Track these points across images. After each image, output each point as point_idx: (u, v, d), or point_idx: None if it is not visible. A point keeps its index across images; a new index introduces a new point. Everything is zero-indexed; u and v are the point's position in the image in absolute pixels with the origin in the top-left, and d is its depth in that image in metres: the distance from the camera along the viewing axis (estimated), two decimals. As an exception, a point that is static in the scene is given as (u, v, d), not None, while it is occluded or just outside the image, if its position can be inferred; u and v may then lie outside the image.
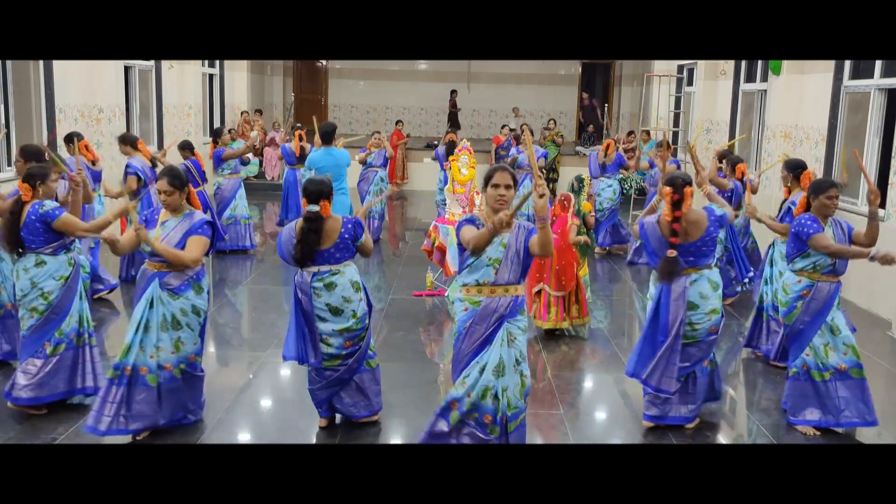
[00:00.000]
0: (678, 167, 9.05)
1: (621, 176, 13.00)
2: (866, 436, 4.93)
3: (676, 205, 4.32)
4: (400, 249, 10.12)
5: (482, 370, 3.79)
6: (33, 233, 4.45)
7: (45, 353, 4.50)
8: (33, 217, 4.44)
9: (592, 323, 6.73)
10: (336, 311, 4.22)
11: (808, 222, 4.54)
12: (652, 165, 9.46)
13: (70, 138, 6.31)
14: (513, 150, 10.50)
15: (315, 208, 4.11)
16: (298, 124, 9.92)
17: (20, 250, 4.50)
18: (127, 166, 7.41)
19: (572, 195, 6.58)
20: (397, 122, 15.89)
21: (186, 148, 8.54)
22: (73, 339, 4.60)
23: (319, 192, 4.12)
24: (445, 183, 9.18)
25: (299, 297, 4.23)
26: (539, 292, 6.36)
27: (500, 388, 3.79)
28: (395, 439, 4.58)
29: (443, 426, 3.88)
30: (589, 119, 16.89)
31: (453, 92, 18.74)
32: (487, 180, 3.75)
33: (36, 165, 4.73)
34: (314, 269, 4.20)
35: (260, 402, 5.05)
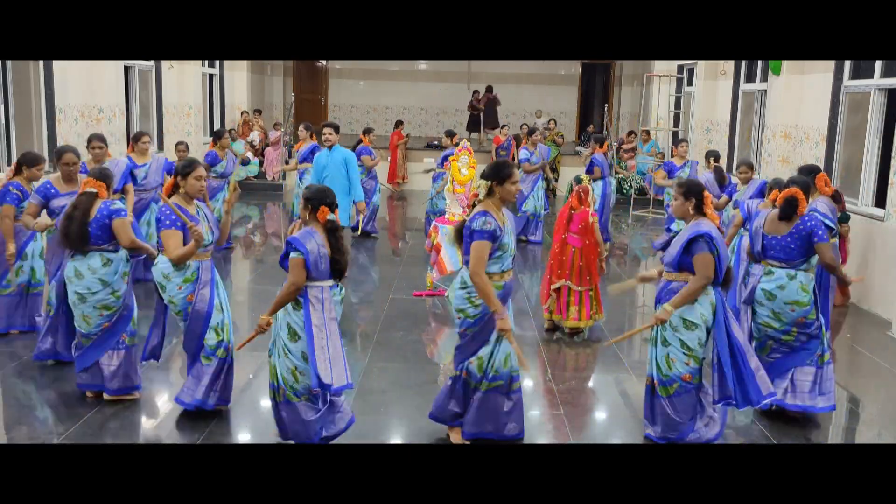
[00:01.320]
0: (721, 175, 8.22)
1: (621, 176, 13.04)
2: (866, 436, 4.94)
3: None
4: (400, 249, 10.13)
5: (499, 341, 4.17)
6: (103, 229, 4.56)
7: (124, 343, 4.71)
8: (105, 213, 4.56)
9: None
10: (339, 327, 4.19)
11: (823, 232, 4.65)
12: (671, 171, 9.43)
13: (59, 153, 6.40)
14: (525, 153, 10.37)
15: (333, 217, 4.01)
16: (309, 123, 9.93)
17: (83, 248, 4.58)
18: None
19: (589, 187, 6.39)
20: (398, 123, 15.78)
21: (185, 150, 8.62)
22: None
23: (333, 202, 4.02)
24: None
25: (322, 314, 3.94)
26: (558, 289, 6.30)
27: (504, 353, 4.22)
28: (395, 439, 4.58)
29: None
30: (489, 118, 16.97)
31: (475, 92, 18.44)
32: (507, 176, 4.06)
33: (106, 168, 5.02)
34: (332, 281, 4.04)
35: (260, 402, 5.04)
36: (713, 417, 4.35)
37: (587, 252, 6.22)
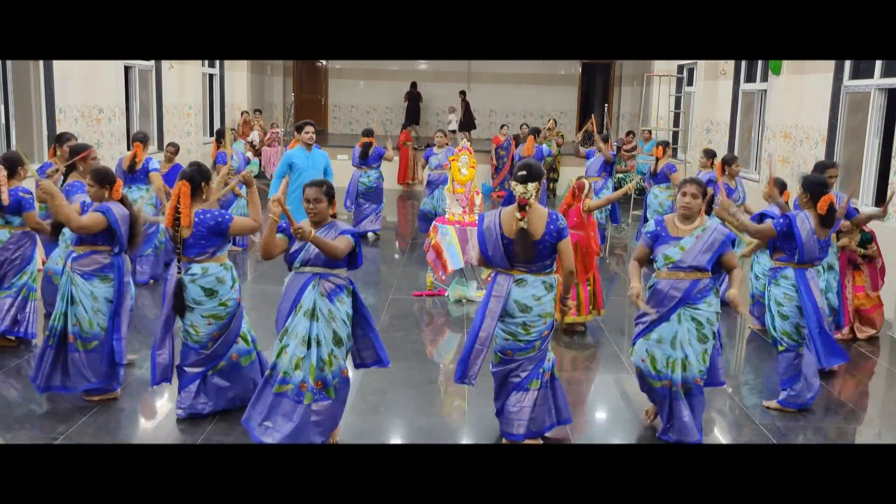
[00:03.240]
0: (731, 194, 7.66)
1: (621, 175, 13.02)
2: (866, 436, 4.93)
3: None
4: (401, 249, 10.14)
5: None
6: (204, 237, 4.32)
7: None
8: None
9: (592, 322, 6.73)
10: None
11: None
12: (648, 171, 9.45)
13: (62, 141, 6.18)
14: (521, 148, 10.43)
15: None
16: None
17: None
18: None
19: (585, 182, 6.38)
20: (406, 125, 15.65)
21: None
22: None
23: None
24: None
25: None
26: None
27: None
28: (396, 439, 4.58)
29: None
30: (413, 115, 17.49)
31: (462, 92, 18.49)
32: (541, 174, 4.15)
33: (197, 166, 4.44)
34: None
35: (260, 402, 5.04)
36: None
37: (583, 243, 6.21)
